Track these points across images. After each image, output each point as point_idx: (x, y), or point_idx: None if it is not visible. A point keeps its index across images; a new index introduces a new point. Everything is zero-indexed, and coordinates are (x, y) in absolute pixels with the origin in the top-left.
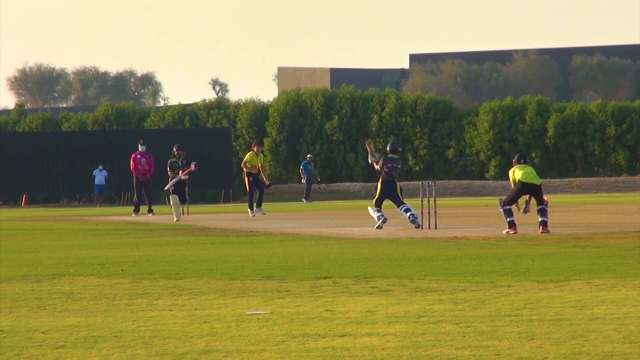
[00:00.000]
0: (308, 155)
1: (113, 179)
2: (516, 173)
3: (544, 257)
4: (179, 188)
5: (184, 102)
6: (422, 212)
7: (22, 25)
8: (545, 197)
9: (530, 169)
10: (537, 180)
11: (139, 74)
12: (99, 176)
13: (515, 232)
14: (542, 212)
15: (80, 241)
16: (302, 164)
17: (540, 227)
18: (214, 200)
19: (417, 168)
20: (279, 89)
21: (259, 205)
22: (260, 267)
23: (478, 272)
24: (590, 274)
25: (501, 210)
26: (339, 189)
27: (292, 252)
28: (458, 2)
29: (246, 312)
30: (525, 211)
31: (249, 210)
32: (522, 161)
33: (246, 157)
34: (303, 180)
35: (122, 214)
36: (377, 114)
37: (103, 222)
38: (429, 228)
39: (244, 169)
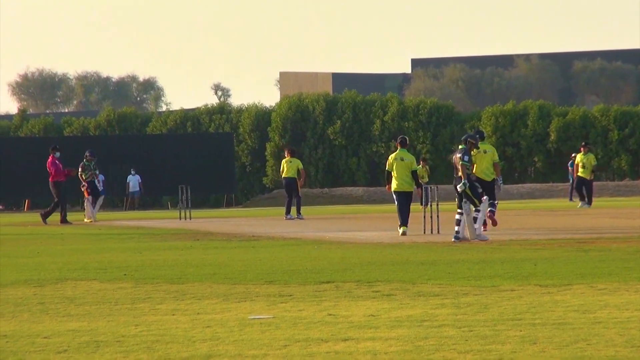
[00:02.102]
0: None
1: (114, 183)
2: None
3: (546, 261)
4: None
5: (186, 107)
6: (424, 217)
7: (24, 30)
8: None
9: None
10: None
11: (141, 79)
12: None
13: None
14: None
15: (82, 246)
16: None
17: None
18: (217, 205)
19: None
20: (281, 94)
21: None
22: (262, 271)
23: (481, 276)
24: (592, 278)
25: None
26: (341, 194)
27: (294, 256)
28: (460, 7)
29: (249, 317)
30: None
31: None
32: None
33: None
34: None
35: (124, 219)
36: (380, 119)
37: (105, 226)
38: (432, 232)
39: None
